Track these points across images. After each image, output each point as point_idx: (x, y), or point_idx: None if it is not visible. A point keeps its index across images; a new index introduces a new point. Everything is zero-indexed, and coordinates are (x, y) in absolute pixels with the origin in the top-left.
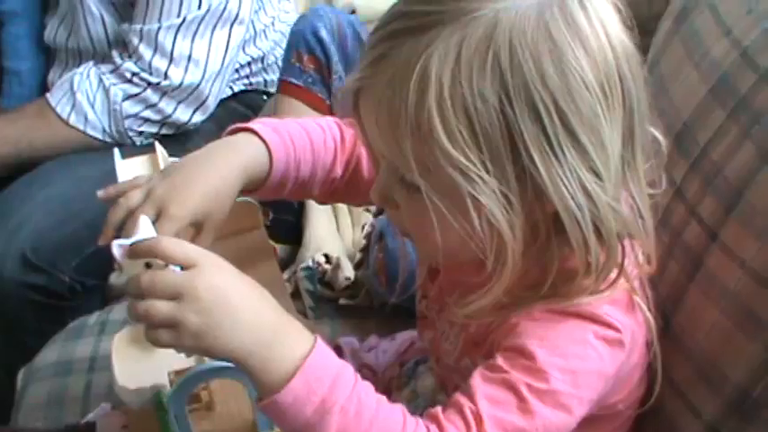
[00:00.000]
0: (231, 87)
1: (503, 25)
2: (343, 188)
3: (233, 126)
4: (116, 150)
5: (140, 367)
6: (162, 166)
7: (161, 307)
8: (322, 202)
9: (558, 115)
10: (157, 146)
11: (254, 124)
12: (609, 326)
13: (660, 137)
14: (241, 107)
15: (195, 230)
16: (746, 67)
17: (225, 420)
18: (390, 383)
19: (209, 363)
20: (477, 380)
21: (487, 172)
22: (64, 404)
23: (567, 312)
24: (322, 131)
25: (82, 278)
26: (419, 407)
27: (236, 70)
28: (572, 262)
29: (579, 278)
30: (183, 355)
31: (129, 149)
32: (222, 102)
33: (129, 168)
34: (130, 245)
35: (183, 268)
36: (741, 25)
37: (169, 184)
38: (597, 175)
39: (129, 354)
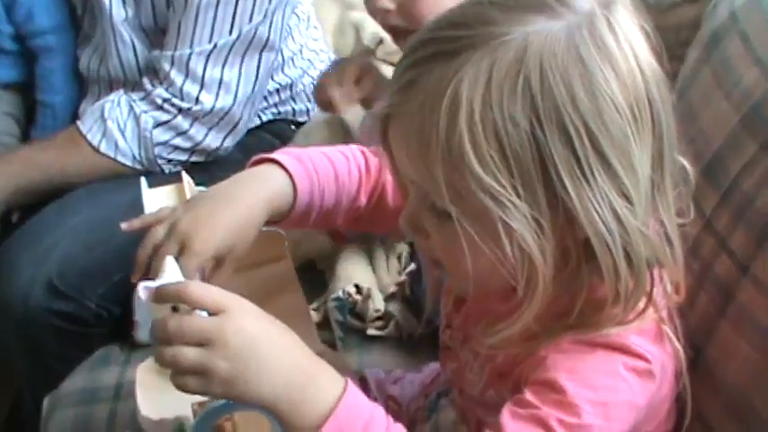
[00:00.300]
0: (260, 116)
1: (533, 49)
2: (367, 216)
3: (256, 157)
4: (143, 179)
5: (164, 398)
6: (188, 196)
7: (189, 353)
8: (345, 230)
9: (588, 138)
10: (184, 175)
11: (278, 155)
12: (639, 356)
13: (688, 165)
14: (269, 136)
15: (216, 263)
16: None
17: None
18: (416, 415)
19: None
20: (507, 417)
21: (519, 197)
22: None
23: (596, 343)
24: (346, 160)
25: (108, 305)
26: None
27: (265, 98)
28: (600, 291)
29: (608, 307)
30: None
31: (157, 178)
32: (250, 131)
33: (155, 198)
34: (156, 288)
35: (210, 313)
36: None
37: (192, 218)
38: (627, 198)
39: (153, 384)
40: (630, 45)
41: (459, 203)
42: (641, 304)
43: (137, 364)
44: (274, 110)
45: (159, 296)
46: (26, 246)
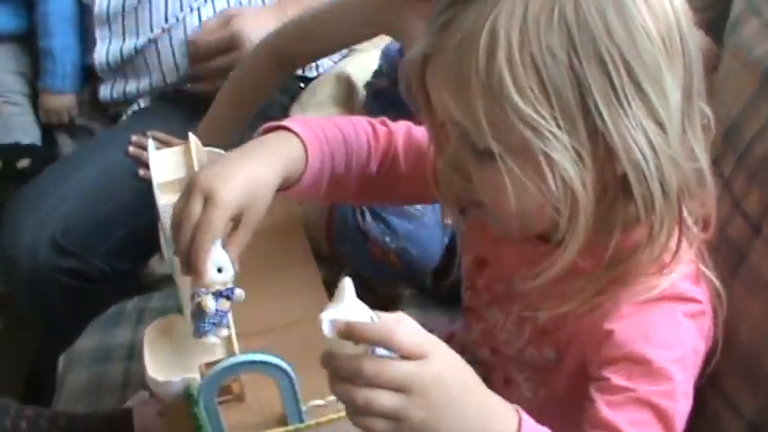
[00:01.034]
0: None
1: None
2: (378, 185)
3: (264, 126)
4: (150, 141)
5: (171, 359)
6: (195, 157)
7: (386, 400)
8: (358, 204)
9: (624, 67)
10: (191, 136)
11: (287, 122)
12: (691, 300)
13: (709, 111)
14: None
15: (233, 225)
16: None
17: (255, 412)
18: None
19: (239, 356)
20: (606, 411)
21: (559, 128)
22: (103, 391)
23: (651, 299)
24: (353, 126)
25: (113, 262)
26: None
27: None
28: (634, 236)
29: (642, 248)
30: (214, 347)
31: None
32: None
33: (162, 158)
34: (351, 325)
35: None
36: None
37: (211, 172)
38: (661, 126)
39: (161, 346)
40: None
41: (500, 139)
42: (673, 243)
43: (149, 322)
44: None
45: (356, 336)
46: (30, 204)
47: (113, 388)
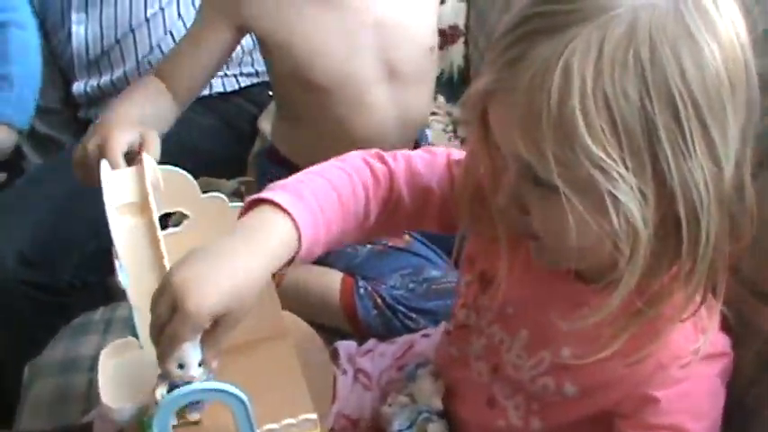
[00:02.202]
0: (237, 81)
1: (642, 22)
2: (383, 226)
3: (251, 198)
4: (104, 162)
5: (125, 385)
6: (148, 179)
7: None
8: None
9: (693, 110)
10: (145, 157)
11: (277, 195)
12: (723, 354)
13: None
14: (246, 103)
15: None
16: None
17: None
18: (388, 387)
19: (194, 384)
20: None
21: (627, 169)
22: (68, 402)
23: (694, 362)
24: (349, 180)
25: (82, 275)
26: (415, 411)
27: (240, 62)
28: (670, 274)
29: (676, 289)
30: None
31: None
32: (227, 97)
33: (115, 179)
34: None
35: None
36: None
37: (187, 273)
38: (718, 165)
39: (115, 371)
40: (730, 16)
41: (566, 176)
42: (698, 296)
43: (116, 332)
44: (251, 69)
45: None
46: None
47: (78, 399)
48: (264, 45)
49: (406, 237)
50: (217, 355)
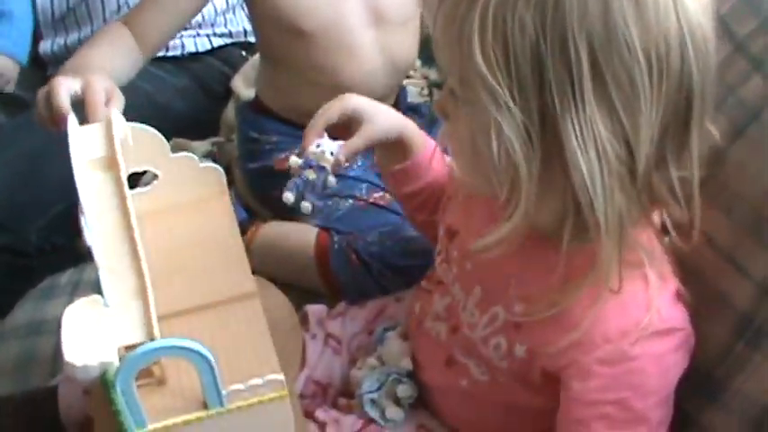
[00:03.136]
0: (210, 41)
1: None
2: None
3: None
4: (71, 116)
5: (89, 343)
6: (116, 135)
7: None
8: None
9: (590, 65)
10: (114, 113)
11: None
12: (676, 330)
13: (714, 131)
14: (219, 63)
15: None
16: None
17: (176, 395)
18: (357, 352)
19: (157, 340)
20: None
21: (513, 101)
22: (33, 366)
23: (643, 337)
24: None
25: (51, 237)
26: (384, 373)
27: (213, 22)
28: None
29: (592, 248)
30: (133, 330)
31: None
32: (199, 57)
33: (82, 135)
34: None
35: None
36: None
37: None
38: (622, 140)
39: (79, 328)
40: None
41: (464, 90)
42: (633, 255)
43: (84, 294)
44: (224, 30)
45: None
46: None
47: (44, 362)
48: None
49: (387, 195)
50: (348, 156)
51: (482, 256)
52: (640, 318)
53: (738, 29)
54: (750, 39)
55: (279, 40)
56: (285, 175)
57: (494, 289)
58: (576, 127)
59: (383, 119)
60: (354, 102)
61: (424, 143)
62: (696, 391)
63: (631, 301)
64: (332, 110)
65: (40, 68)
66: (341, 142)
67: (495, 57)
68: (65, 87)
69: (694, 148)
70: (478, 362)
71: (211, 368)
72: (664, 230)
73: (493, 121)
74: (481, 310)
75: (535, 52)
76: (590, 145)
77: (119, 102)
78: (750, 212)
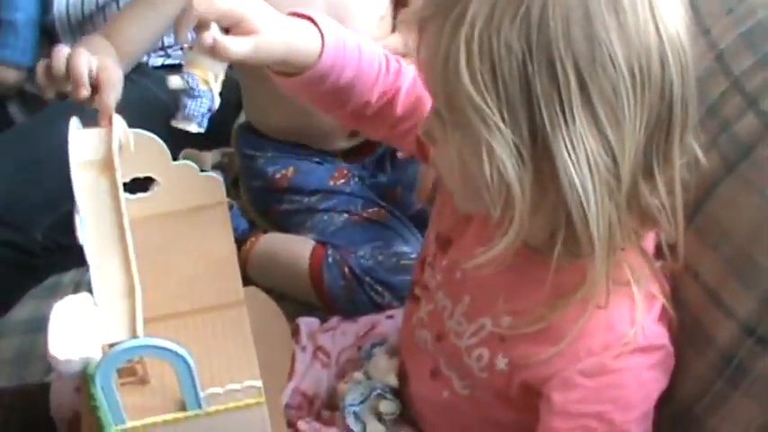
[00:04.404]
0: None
1: None
2: (371, 115)
3: (293, 10)
4: (73, 119)
5: (74, 338)
6: (116, 139)
7: None
8: (347, 125)
9: (576, 81)
10: (115, 117)
11: (315, 15)
12: (656, 348)
13: (697, 148)
14: (231, 71)
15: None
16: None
17: (156, 395)
18: (345, 366)
19: (137, 339)
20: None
21: (503, 121)
22: (30, 361)
23: (624, 353)
24: (371, 50)
25: (56, 237)
26: (368, 388)
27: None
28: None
29: (590, 274)
30: (117, 328)
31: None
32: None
33: (82, 138)
34: None
35: None
36: (719, 26)
37: None
38: (608, 153)
39: (66, 323)
40: (651, 8)
41: (453, 114)
42: (621, 273)
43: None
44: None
45: None
46: None
47: (41, 358)
48: None
49: (382, 211)
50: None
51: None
52: (624, 333)
53: (735, 64)
54: (746, 75)
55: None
56: (282, 192)
57: (483, 300)
58: (567, 142)
59: (268, 37)
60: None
61: (335, 47)
62: (677, 427)
63: (617, 317)
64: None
65: None
66: (224, 64)
67: (482, 79)
68: (85, 59)
69: (676, 159)
70: (461, 374)
71: (190, 370)
72: (656, 255)
73: (483, 142)
74: (468, 319)
75: (522, 72)
76: (581, 158)
77: (111, 76)
78: (736, 251)
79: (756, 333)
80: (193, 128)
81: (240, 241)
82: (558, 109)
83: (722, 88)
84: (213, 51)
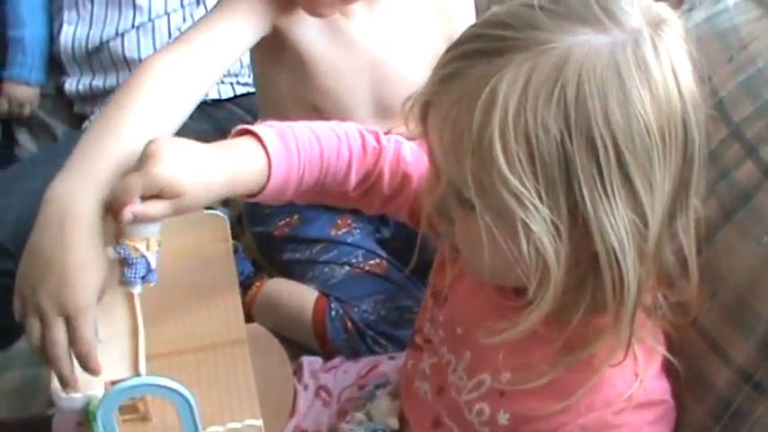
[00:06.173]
0: (233, 88)
1: (574, 59)
2: (356, 199)
3: (240, 127)
4: None
5: (78, 375)
6: None
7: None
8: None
9: (615, 155)
10: None
11: (260, 128)
12: (657, 403)
13: (699, 207)
14: (240, 111)
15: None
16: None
17: None
18: (346, 405)
19: (139, 377)
20: None
21: (541, 201)
22: (33, 394)
23: (624, 409)
24: (337, 140)
25: None
26: (370, 429)
27: (237, 73)
28: (600, 321)
29: (606, 336)
30: (120, 366)
31: None
32: (222, 104)
33: None
34: None
35: None
36: (720, 74)
37: (160, 143)
38: (643, 218)
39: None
40: (672, 69)
41: (483, 197)
42: (625, 343)
43: None
44: (248, 80)
45: None
46: None
47: (44, 391)
48: (279, 51)
49: (384, 263)
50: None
51: (470, 323)
52: (626, 390)
53: (735, 112)
54: (745, 123)
55: (286, 107)
56: (285, 241)
57: (483, 356)
58: (608, 216)
59: (194, 194)
60: (161, 179)
61: (280, 168)
62: None
63: (618, 373)
64: (133, 190)
65: (68, 97)
66: (156, 226)
67: (519, 161)
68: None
69: (692, 213)
70: (462, 427)
71: (191, 408)
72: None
73: (519, 222)
74: (469, 374)
75: (562, 152)
76: (621, 229)
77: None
78: (734, 298)
79: (754, 379)
80: (137, 290)
81: (245, 285)
82: (597, 184)
83: (722, 136)
84: (136, 221)
